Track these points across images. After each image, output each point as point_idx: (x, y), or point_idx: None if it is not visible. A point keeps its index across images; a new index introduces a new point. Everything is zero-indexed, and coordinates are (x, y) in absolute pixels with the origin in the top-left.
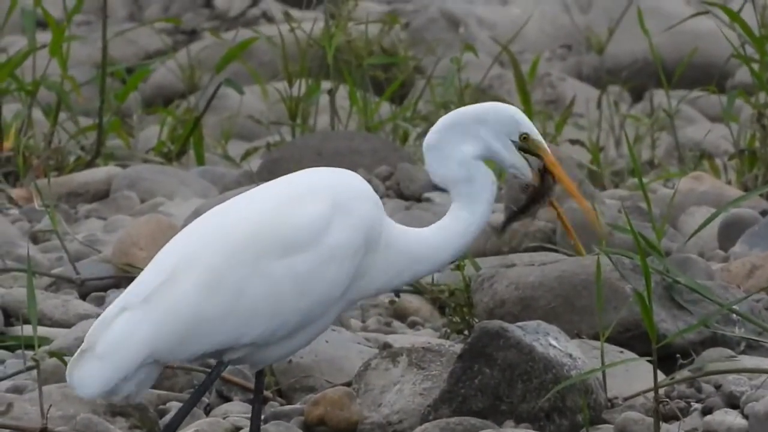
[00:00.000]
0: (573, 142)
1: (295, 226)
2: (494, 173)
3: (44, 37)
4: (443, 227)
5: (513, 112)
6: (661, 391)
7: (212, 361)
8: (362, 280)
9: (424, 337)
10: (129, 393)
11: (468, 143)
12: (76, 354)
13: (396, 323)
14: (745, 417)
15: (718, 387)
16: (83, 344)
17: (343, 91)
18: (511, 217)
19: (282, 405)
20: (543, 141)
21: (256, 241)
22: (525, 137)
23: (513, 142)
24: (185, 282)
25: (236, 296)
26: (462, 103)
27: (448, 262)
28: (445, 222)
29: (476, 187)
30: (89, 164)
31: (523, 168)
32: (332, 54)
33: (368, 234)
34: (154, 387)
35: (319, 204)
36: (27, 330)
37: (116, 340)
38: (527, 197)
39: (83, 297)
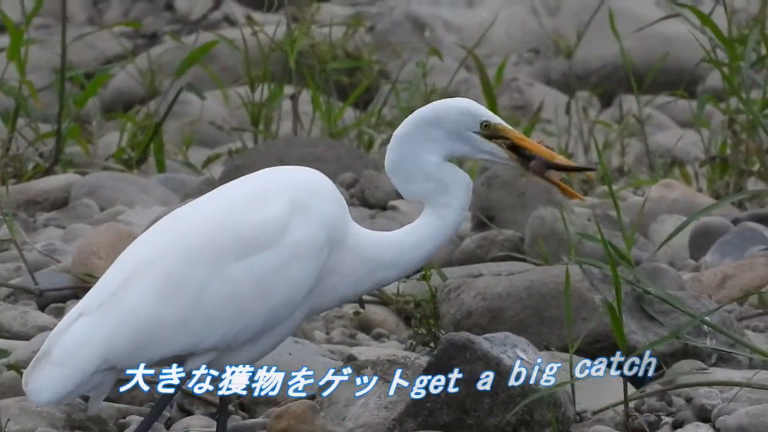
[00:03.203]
0: None
1: (253, 225)
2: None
3: (1, 40)
4: (410, 231)
5: (465, 105)
6: (631, 404)
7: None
8: (326, 282)
9: (390, 350)
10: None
11: (429, 151)
12: (32, 361)
13: (361, 335)
14: (717, 431)
15: (689, 400)
16: (39, 351)
17: (306, 96)
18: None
19: (244, 419)
20: (503, 122)
21: (213, 242)
22: (486, 125)
23: (476, 133)
24: (141, 286)
25: (194, 300)
26: None
27: (414, 267)
28: (413, 226)
29: (449, 194)
30: (48, 171)
31: (495, 152)
32: (294, 58)
33: (331, 232)
34: (114, 400)
35: (277, 202)
36: None
37: (71, 346)
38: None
39: (42, 308)
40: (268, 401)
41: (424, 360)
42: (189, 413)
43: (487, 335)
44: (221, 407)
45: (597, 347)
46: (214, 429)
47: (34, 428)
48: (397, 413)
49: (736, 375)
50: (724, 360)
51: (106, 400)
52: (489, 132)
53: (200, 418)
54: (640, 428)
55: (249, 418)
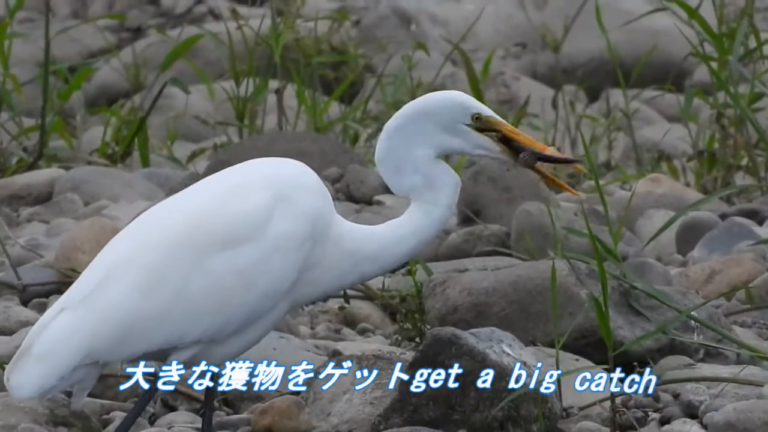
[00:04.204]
0: None
1: (235, 217)
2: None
3: None
4: (396, 226)
5: (456, 97)
6: (618, 400)
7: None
8: (310, 275)
9: (375, 345)
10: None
11: (419, 145)
12: (14, 356)
13: (346, 330)
14: (704, 427)
15: (676, 396)
16: (21, 346)
17: (291, 91)
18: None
19: (228, 414)
20: (495, 115)
21: (195, 235)
22: (477, 117)
23: (467, 125)
24: (123, 280)
25: (177, 293)
26: None
27: (398, 263)
28: (398, 221)
29: (436, 191)
30: (31, 166)
31: (487, 145)
32: (280, 52)
33: (314, 225)
34: (97, 396)
35: (259, 194)
36: None
37: (53, 340)
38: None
39: (25, 303)
40: (253, 397)
41: (409, 355)
42: (173, 409)
43: (473, 330)
44: (206, 403)
45: (583, 343)
46: (198, 425)
47: (17, 424)
48: (383, 409)
49: (723, 371)
50: (712, 355)
51: (90, 395)
52: (480, 124)
53: (184, 413)
54: (627, 424)
55: (233, 414)
